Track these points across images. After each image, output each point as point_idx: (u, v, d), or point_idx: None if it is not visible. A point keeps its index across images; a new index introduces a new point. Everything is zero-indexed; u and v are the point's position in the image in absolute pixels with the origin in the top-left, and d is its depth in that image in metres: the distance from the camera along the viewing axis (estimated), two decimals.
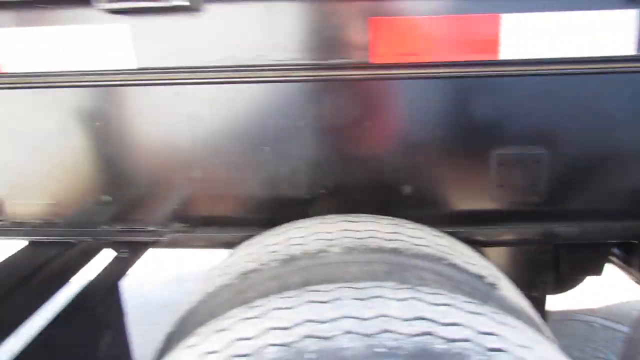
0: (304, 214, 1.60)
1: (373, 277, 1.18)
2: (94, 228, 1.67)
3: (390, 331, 0.87)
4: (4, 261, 1.55)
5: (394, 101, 1.59)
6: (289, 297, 1.02)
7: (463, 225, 1.64)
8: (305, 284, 1.20)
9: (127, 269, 1.58)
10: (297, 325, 0.90)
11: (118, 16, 1.39)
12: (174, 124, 1.56)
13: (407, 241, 1.28)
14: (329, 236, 1.29)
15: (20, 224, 1.70)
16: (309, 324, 0.90)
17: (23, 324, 1.30)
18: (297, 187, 1.63)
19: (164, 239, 1.65)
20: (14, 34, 1.46)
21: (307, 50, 1.45)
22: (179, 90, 1.52)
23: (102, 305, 1.43)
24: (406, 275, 1.19)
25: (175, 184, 1.63)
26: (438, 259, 1.25)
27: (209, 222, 1.66)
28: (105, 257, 1.87)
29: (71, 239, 1.67)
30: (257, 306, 1.01)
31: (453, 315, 0.94)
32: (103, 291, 1.38)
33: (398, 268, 1.21)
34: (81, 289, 1.34)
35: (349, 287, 1.01)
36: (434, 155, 1.60)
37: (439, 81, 1.51)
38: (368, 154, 1.61)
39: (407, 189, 1.63)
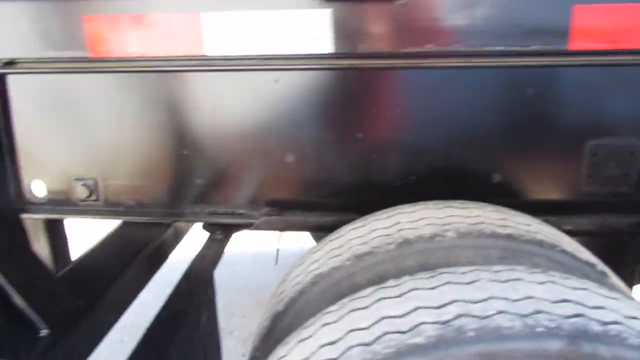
0: (393, 200, 1.62)
1: (488, 261, 1.20)
2: (187, 210, 1.71)
3: (544, 312, 0.89)
4: (105, 241, 1.60)
5: (484, 90, 1.59)
6: (424, 278, 1.04)
7: (551, 214, 1.65)
8: (421, 267, 1.22)
9: (222, 251, 1.61)
10: (447, 304, 0.93)
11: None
12: (271, 109, 1.59)
13: (518, 227, 1.30)
14: (441, 221, 1.31)
15: (115, 204, 1.75)
16: (459, 303, 0.93)
17: (133, 301, 1.35)
18: (387, 173, 1.65)
19: (255, 221, 1.68)
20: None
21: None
22: (278, 76, 1.55)
23: (202, 286, 1.47)
24: (521, 260, 1.21)
25: (267, 168, 1.67)
26: (551, 246, 1.26)
27: (298, 206, 1.69)
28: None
29: (165, 220, 1.71)
30: (395, 286, 1.04)
31: (594, 299, 0.95)
32: (204, 272, 1.43)
33: (512, 254, 1.23)
34: (187, 269, 1.39)
35: (484, 270, 1.04)
36: (525, 145, 1.61)
37: (536, 70, 1.52)
38: (460, 142, 1.62)
39: (496, 177, 1.65)
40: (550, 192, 1.66)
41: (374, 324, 0.95)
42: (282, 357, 1.05)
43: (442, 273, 1.05)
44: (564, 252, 1.26)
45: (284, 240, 3.35)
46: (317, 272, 1.34)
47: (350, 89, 1.57)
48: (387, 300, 1.01)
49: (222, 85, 1.61)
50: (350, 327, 0.98)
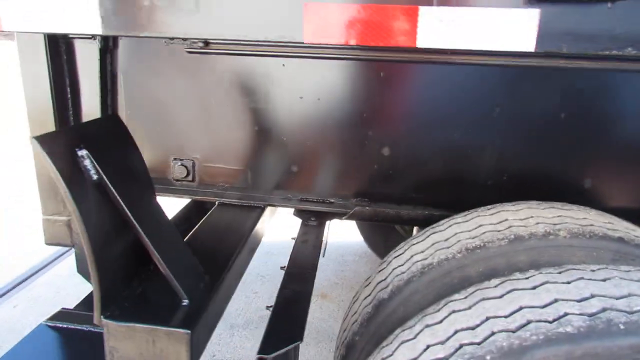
0: (484, 199, 1.66)
1: (601, 262, 1.24)
2: (279, 195, 1.77)
3: None
4: (209, 220, 1.67)
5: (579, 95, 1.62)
6: (553, 272, 1.08)
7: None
8: (533, 264, 1.27)
9: (322, 238, 1.67)
10: (588, 298, 0.97)
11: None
12: (375, 103, 1.63)
13: (627, 232, 1.33)
14: (550, 220, 1.34)
15: (210, 185, 1.82)
16: (600, 297, 0.97)
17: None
18: (480, 172, 1.69)
19: (348, 210, 1.74)
20: None
21: None
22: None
23: (310, 270, 1.53)
24: (634, 263, 1.24)
25: (362, 160, 1.72)
26: None
27: (389, 199, 1.74)
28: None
29: (258, 204, 1.78)
30: (524, 278, 1.08)
31: None
32: (311, 257, 1.48)
33: (624, 256, 1.26)
34: (293, 253, 1.45)
35: (613, 269, 1.08)
36: (621, 151, 1.63)
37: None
38: (554, 146, 1.65)
39: (587, 183, 1.68)
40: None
41: (513, 312, 1.00)
42: (408, 340, 1.11)
43: (570, 269, 1.09)
44: None
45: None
46: (425, 262, 1.39)
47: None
48: (520, 291, 1.06)
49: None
50: (488, 314, 1.03)
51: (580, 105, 1.61)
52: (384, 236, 3.37)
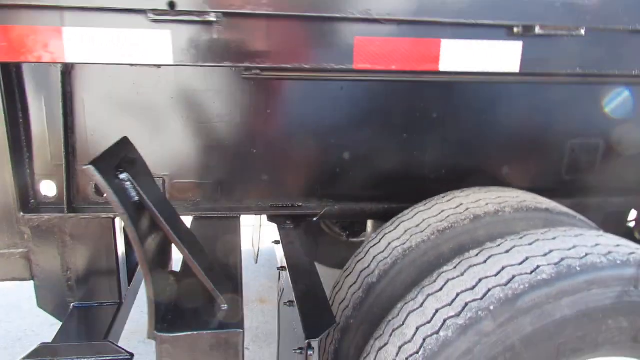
0: (428, 190, 1.96)
1: (538, 228, 1.60)
2: (252, 204, 1.89)
3: (613, 252, 1.30)
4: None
5: None
6: (516, 238, 1.41)
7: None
8: (490, 236, 1.58)
9: (303, 239, 1.81)
10: (550, 252, 1.30)
11: None
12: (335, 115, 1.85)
13: (548, 204, 1.72)
14: (495, 201, 1.68)
15: (182, 200, 1.86)
16: (558, 251, 1.30)
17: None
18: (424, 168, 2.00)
19: (318, 212, 1.92)
20: None
21: None
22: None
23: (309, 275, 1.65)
24: (564, 226, 1.62)
25: (324, 165, 1.91)
26: (572, 215, 1.72)
27: (351, 198, 1.96)
28: None
29: (232, 213, 1.87)
30: (498, 245, 1.39)
31: (631, 244, 1.40)
32: (306, 262, 1.60)
33: (551, 222, 1.65)
34: (286, 258, 1.57)
35: (556, 230, 1.43)
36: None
37: None
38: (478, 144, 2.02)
39: (505, 170, 2.08)
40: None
41: (499, 271, 1.29)
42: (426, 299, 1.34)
43: (528, 234, 1.43)
44: (567, 215, 1.72)
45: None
46: (405, 246, 1.64)
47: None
48: (498, 255, 1.35)
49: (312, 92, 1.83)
50: (479, 276, 1.31)
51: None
52: (314, 238, 3.56)
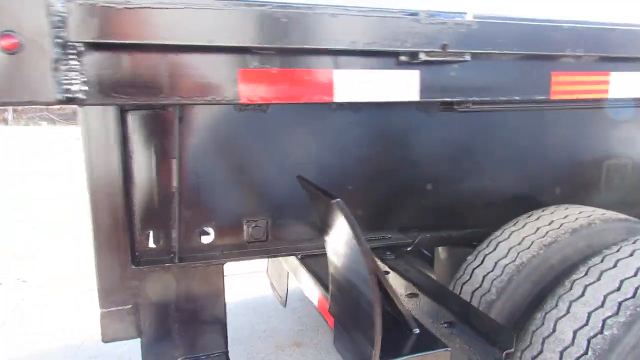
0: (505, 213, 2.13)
1: (627, 236, 1.81)
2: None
3: None
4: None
5: None
6: (631, 243, 1.59)
7: None
8: (589, 246, 1.76)
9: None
10: None
11: None
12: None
13: (617, 214, 1.95)
14: (582, 215, 1.88)
15: (284, 241, 1.89)
16: None
17: None
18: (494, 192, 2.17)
19: (411, 241, 2.02)
20: None
21: None
22: None
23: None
24: None
25: (413, 197, 2.04)
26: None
27: (440, 227, 2.09)
28: None
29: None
30: (618, 249, 1.56)
31: None
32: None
33: (633, 230, 1.86)
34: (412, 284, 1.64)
35: None
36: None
37: None
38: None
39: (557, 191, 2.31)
40: None
41: (637, 271, 1.46)
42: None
43: (637, 239, 1.62)
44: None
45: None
46: (516, 263, 1.77)
47: None
48: (625, 259, 1.53)
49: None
50: (619, 278, 1.46)
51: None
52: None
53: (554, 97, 1.53)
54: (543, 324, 1.53)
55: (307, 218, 1.92)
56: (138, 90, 1.21)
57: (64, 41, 1.07)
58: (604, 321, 1.39)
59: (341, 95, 1.32)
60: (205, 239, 1.82)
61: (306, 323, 3.74)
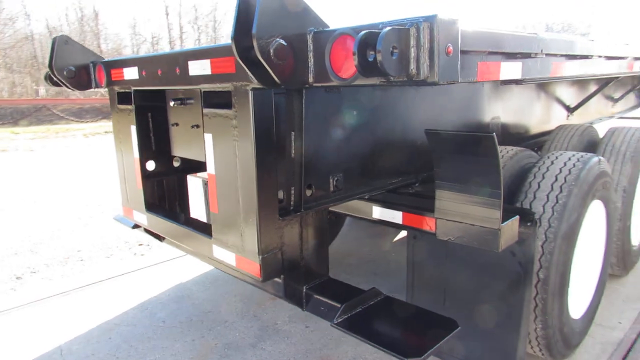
0: None
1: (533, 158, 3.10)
2: None
3: None
4: None
5: None
6: None
7: None
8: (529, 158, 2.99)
9: None
10: None
11: None
12: None
13: None
14: (509, 149, 3.10)
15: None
16: None
17: None
18: None
19: None
20: None
21: None
22: None
23: None
24: None
25: None
26: None
27: None
28: None
29: None
30: None
31: None
32: None
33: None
34: None
35: None
36: None
37: None
38: None
39: None
40: None
41: None
42: None
43: None
44: None
45: None
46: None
47: None
48: (551, 166, 2.76)
49: None
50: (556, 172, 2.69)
51: None
52: None
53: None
54: (526, 196, 2.65)
55: (367, 172, 2.63)
56: None
57: None
58: (556, 196, 2.59)
59: None
60: (309, 192, 2.39)
61: None
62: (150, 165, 2.99)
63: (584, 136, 4.02)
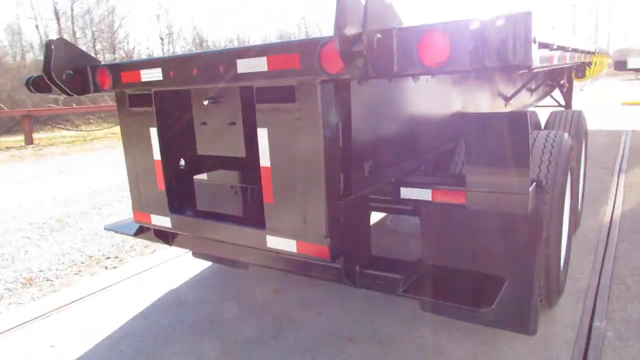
0: None
1: None
2: None
3: None
4: None
5: None
6: None
7: None
8: None
9: None
10: None
11: None
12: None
13: None
14: None
15: None
16: None
17: None
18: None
19: None
20: None
21: None
22: None
23: None
24: None
25: None
26: None
27: None
28: None
29: None
30: None
31: None
32: None
33: None
34: None
35: None
36: None
37: None
38: None
39: None
40: None
41: None
42: None
43: None
44: None
45: None
46: None
47: None
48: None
49: None
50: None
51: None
52: None
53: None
54: None
55: (397, 156, 2.88)
56: None
57: None
58: (547, 167, 3.04)
59: None
60: (357, 177, 2.58)
61: None
62: (180, 165, 3.00)
63: (531, 120, 4.65)
